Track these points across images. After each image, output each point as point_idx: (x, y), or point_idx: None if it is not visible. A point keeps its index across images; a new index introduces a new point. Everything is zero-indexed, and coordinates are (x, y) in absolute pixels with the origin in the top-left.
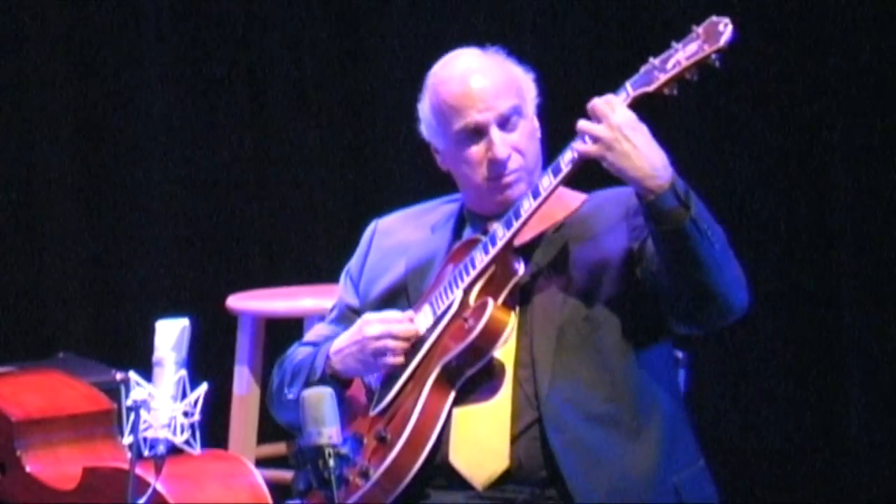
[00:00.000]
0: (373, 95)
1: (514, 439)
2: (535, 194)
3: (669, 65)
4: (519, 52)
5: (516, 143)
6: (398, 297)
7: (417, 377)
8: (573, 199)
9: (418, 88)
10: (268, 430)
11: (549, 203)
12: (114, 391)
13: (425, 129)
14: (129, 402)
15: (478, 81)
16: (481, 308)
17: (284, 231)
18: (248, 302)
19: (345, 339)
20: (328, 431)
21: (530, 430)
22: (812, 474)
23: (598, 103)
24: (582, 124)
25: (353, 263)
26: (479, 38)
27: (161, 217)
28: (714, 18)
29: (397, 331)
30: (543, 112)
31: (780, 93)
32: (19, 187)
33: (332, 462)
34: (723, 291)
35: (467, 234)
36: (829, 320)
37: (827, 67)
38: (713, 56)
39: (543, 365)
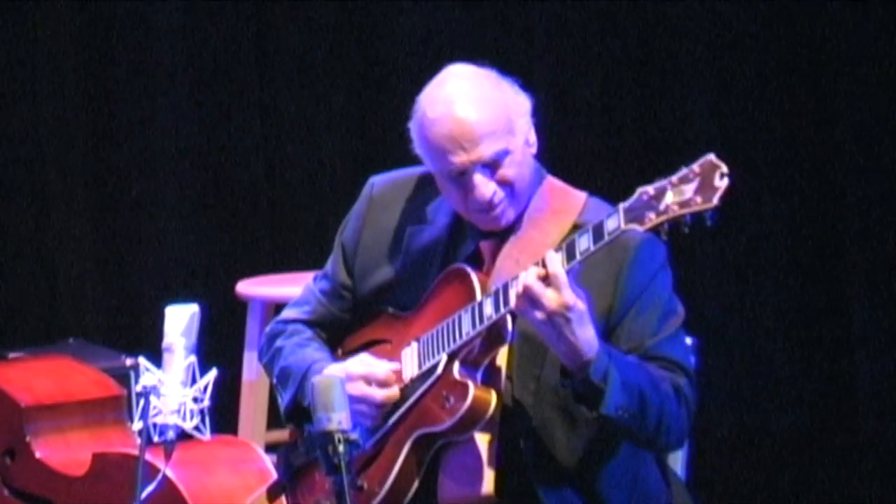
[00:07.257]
0: (385, 80)
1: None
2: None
3: (661, 205)
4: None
5: (502, 177)
6: (389, 293)
7: (395, 435)
8: (571, 204)
9: (431, 72)
10: (277, 415)
11: (547, 211)
12: (124, 377)
13: (415, 148)
14: (138, 388)
15: (463, 120)
16: (462, 392)
17: (293, 217)
18: (257, 288)
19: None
20: (338, 417)
21: (515, 471)
22: (821, 451)
23: (543, 285)
24: (530, 288)
25: (347, 233)
26: (486, 18)
27: (171, 203)
28: (713, 160)
29: (378, 398)
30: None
31: (793, 81)
32: (29, 174)
33: (341, 448)
34: (650, 446)
35: (464, 245)
36: (838, 307)
37: (838, 58)
38: (707, 213)
39: (522, 414)
